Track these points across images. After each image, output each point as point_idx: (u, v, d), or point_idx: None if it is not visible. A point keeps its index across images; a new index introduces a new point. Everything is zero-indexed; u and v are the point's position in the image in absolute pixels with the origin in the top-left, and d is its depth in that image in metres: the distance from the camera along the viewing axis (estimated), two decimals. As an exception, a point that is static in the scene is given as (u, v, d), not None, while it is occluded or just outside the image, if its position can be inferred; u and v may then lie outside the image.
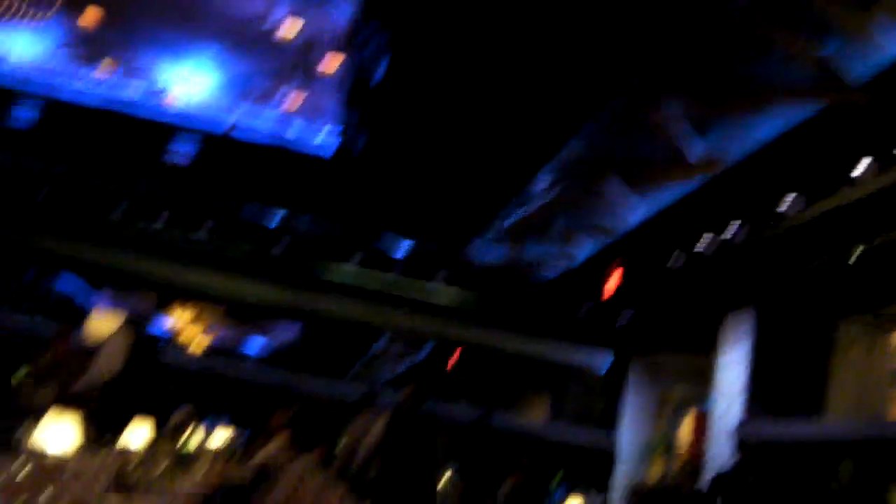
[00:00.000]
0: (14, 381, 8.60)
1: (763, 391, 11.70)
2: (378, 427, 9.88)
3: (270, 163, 11.42)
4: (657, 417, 16.36)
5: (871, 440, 9.09)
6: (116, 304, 27.70)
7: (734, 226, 10.18)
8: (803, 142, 8.97)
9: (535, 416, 21.56)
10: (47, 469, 3.25)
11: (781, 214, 9.52)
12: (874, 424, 9.79)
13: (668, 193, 10.01)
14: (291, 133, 10.81)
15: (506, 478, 10.37)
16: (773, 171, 9.12)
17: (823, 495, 9.13)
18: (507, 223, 12.03)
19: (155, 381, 8.38)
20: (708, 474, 12.05)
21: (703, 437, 14.14)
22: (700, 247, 10.96)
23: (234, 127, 10.68)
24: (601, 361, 17.44)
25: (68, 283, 24.64)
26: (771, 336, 11.84)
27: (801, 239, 10.03)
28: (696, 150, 9.41)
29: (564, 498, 11.04)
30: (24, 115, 11.60)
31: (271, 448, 10.47)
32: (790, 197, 9.13)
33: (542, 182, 10.35)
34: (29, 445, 3.16)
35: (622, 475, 15.44)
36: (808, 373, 11.70)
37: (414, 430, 9.18)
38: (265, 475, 10.09)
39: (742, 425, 11.41)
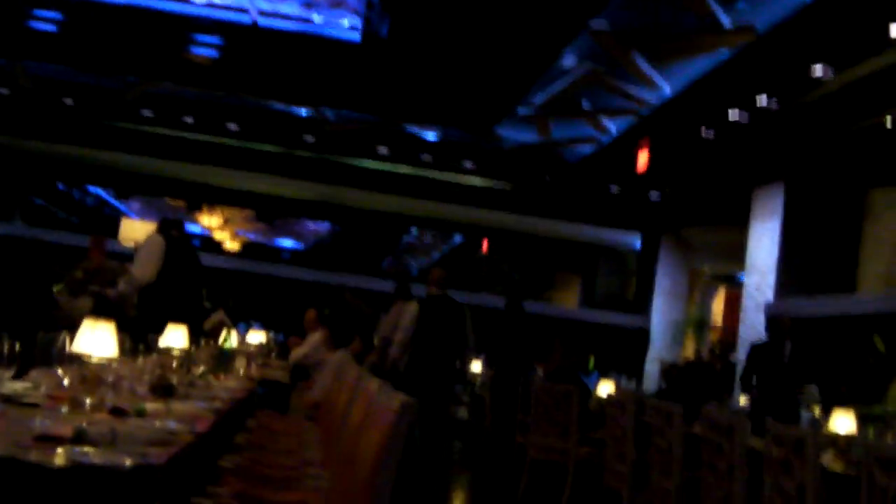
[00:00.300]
0: (54, 293, 8.69)
1: (795, 264, 11.68)
2: (410, 315, 9.95)
3: (299, 52, 11.24)
4: (689, 295, 16.41)
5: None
6: (145, 211, 27.95)
7: (763, 97, 10.01)
8: (836, 7, 8.74)
9: (567, 300, 21.75)
10: (89, 376, 3.31)
11: (812, 83, 9.33)
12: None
13: (695, 67, 9.82)
14: (317, 21, 10.61)
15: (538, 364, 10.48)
16: (803, 40, 8.90)
17: (859, 369, 9.17)
18: (533, 105, 11.89)
19: (191, 283, 8.39)
20: (741, 350, 12.12)
21: (735, 312, 14.19)
22: (728, 120, 10.81)
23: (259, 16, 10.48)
24: (632, 241, 17.46)
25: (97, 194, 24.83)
26: (802, 208, 11.77)
27: (832, 107, 9.87)
28: (723, 19, 9.19)
29: (598, 381, 11.13)
30: (46, 16, 11.46)
31: (308, 345, 10.65)
32: (820, 66, 8.94)
33: (568, 60, 10.18)
34: (69, 354, 3.20)
35: (655, 355, 15.55)
36: (840, 243, 11.65)
37: (445, 317, 9.20)
38: (303, 371, 10.29)
39: (775, 302, 11.42)
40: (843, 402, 6.46)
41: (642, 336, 15.83)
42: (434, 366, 9.06)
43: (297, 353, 10.72)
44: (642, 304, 16.48)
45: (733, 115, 10.62)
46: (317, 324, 9.96)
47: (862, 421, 6.15)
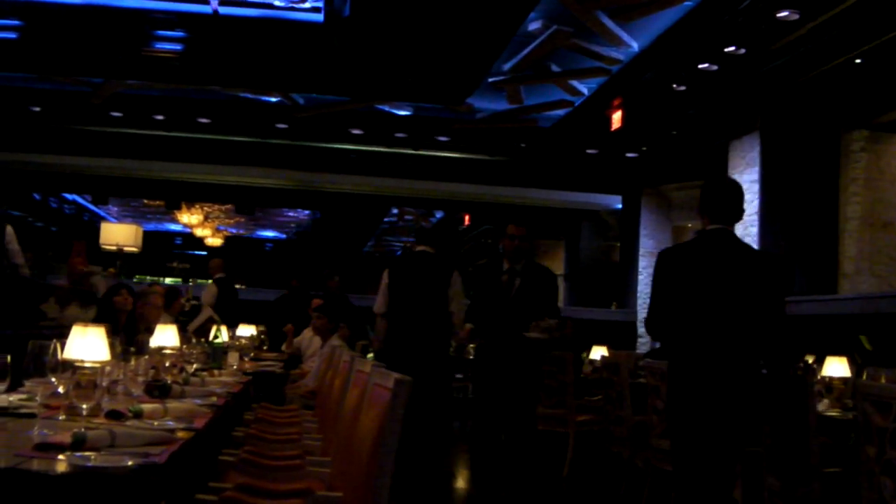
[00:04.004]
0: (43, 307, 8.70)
1: (776, 212, 11.73)
2: (380, 292, 9.90)
3: (263, 38, 11.15)
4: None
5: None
6: (124, 214, 27.79)
7: (731, 48, 10.01)
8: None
9: (552, 266, 21.79)
10: (83, 382, 3.30)
11: (779, 27, 9.34)
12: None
13: (661, 21, 9.81)
14: (278, 4, 10.51)
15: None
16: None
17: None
18: (503, 74, 11.86)
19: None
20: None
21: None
22: (699, 72, 10.82)
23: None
24: (613, 203, 17.49)
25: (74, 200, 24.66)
26: (779, 157, 11.81)
27: (801, 51, 9.88)
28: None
29: (589, 350, 11.17)
30: (5, 24, 11.34)
31: (302, 336, 10.64)
32: (786, 12, 8.94)
33: (534, 24, 10.14)
34: (62, 361, 3.20)
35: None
36: (819, 188, 11.71)
37: (428, 276, 9.00)
38: (295, 360, 10.28)
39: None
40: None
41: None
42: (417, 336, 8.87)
43: (292, 342, 10.74)
44: (627, 263, 16.52)
45: (703, 66, 10.63)
46: (312, 311, 9.96)
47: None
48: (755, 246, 11.58)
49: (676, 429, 4.83)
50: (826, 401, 6.38)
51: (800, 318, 10.46)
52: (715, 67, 10.63)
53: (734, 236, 4.84)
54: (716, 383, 4.67)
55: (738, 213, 4.85)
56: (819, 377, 6.74)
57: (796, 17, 9.03)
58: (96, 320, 4.23)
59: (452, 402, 11.72)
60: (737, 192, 4.88)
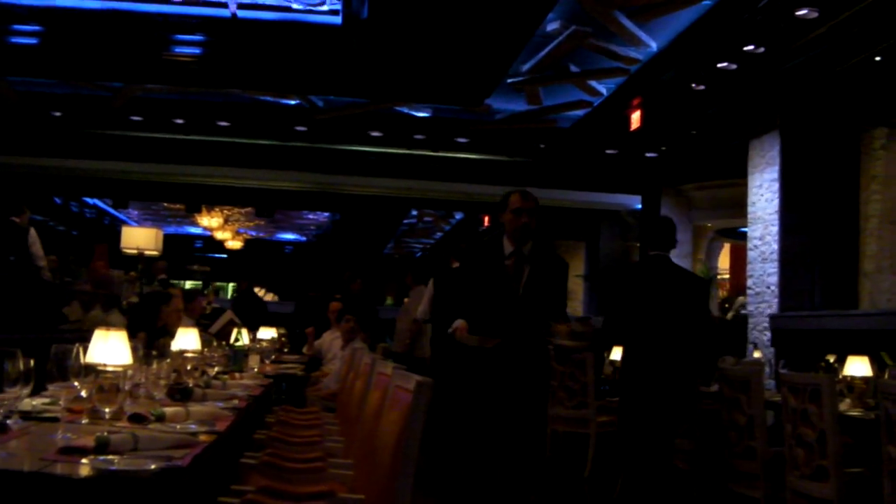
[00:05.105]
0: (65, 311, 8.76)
1: (796, 210, 11.66)
2: (425, 300, 9.96)
3: (282, 41, 11.17)
4: (694, 252, 16.41)
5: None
6: (144, 217, 27.92)
7: (750, 47, 9.97)
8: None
9: (573, 267, 21.73)
10: (106, 386, 3.32)
11: (798, 25, 9.29)
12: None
13: (680, 20, 9.77)
14: (296, 7, 10.55)
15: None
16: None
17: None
18: (522, 75, 11.85)
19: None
20: (750, 302, 12.14)
21: (742, 265, 14.20)
22: (718, 71, 10.78)
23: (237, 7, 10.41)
24: (632, 203, 17.45)
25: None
26: (799, 155, 11.74)
27: (820, 49, 9.83)
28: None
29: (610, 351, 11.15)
30: (27, 30, 11.41)
31: (322, 339, 10.67)
32: (805, 10, 8.89)
33: (552, 25, 10.13)
34: (84, 365, 3.23)
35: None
36: (839, 186, 11.64)
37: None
38: (315, 363, 10.30)
39: (778, 315, 11.43)
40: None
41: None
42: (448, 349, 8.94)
43: (313, 344, 10.78)
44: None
45: (722, 65, 10.59)
46: (340, 315, 9.99)
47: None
48: (775, 245, 11.54)
49: (625, 407, 6.56)
50: (848, 400, 6.35)
51: (819, 332, 10.39)
52: (734, 66, 10.59)
53: (670, 261, 6.42)
54: (656, 371, 6.28)
55: (673, 243, 6.46)
56: (840, 376, 6.70)
57: (815, 14, 8.98)
58: (132, 326, 4.27)
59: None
60: (671, 227, 6.51)
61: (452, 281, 6.17)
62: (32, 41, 11.83)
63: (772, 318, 11.48)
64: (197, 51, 11.98)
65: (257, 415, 5.76)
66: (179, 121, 15.07)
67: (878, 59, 9.93)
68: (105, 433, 2.82)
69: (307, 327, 11.27)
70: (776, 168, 11.77)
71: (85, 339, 3.49)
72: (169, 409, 3.61)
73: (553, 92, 12.75)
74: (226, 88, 13.36)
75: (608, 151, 15.79)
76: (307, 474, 4.18)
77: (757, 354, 10.46)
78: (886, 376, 6.42)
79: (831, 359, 7.58)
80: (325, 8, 10.54)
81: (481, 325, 5.69)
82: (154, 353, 4.30)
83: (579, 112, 13.58)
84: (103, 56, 12.09)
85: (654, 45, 10.53)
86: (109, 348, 3.54)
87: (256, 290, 14.72)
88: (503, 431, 5.70)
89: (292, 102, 14.05)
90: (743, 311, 12.85)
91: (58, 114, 14.88)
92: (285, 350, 10.98)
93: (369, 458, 3.81)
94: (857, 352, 6.91)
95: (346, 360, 8.02)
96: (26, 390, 2.88)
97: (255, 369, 7.23)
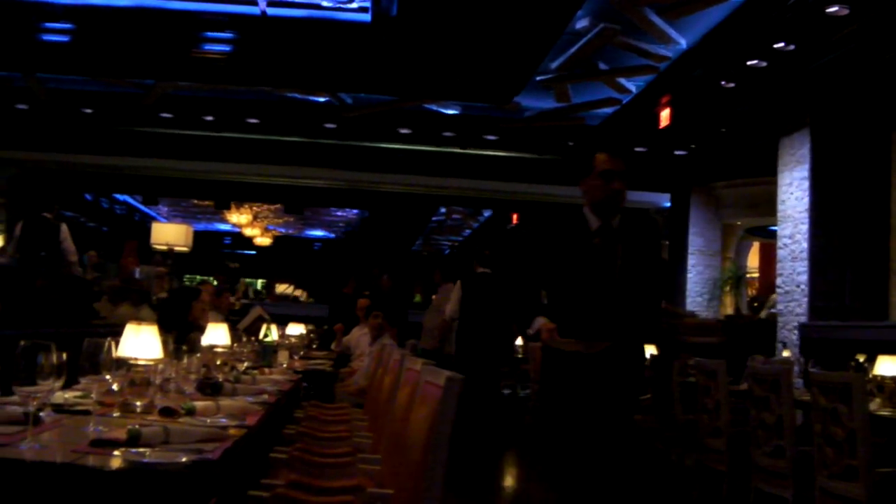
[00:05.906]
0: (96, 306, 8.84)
1: (827, 209, 11.58)
2: (453, 300, 10.00)
3: (311, 38, 11.20)
4: (723, 250, 16.32)
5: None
6: (174, 214, 28.10)
7: (780, 44, 9.90)
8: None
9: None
10: (137, 380, 3.36)
11: (829, 23, 9.21)
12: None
13: (710, 17, 9.72)
14: (326, 5, 10.57)
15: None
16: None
17: None
18: (551, 72, 11.83)
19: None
20: (780, 301, 12.06)
21: (771, 264, 14.10)
22: (748, 69, 10.71)
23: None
24: (661, 200, 17.37)
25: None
26: (829, 153, 11.66)
27: (851, 46, 9.74)
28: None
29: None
30: (57, 27, 11.51)
31: (351, 335, 10.70)
32: (836, 7, 8.82)
33: (581, 22, 10.10)
34: (116, 360, 3.26)
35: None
36: (870, 185, 11.54)
37: (489, 294, 9.12)
38: (343, 359, 10.33)
39: (808, 323, 11.29)
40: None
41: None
42: (481, 343, 9.02)
43: (342, 340, 10.82)
44: (676, 263, 16.40)
45: (752, 63, 10.53)
46: (369, 312, 10.02)
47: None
48: (805, 243, 11.46)
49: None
50: (878, 400, 6.30)
51: (848, 342, 10.23)
52: (764, 64, 10.52)
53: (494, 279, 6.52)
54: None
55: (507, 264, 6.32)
56: (870, 376, 6.65)
57: (846, 12, 8.90)
58: (161, 322, 4.30)
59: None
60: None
61: (521, 267, 4.83)
62: (64, 39, 11.92)
63: (801, 326, 11.35)
64: (227, 48, 12.03)
65: (286, 410, 5.79)
66: (209, 118, 15.15)
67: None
68: (136, 426, 2.85)
69: (336, 324, 11.31)
70: (806, 166, 11.69)
71: (117, 334, 3.52)
72: (199, 403, 3.64)
73: (582, 89, 12.72)
74: (255, 86, 13.42)
75: (637, 149, 15.72)
76: (336, 469, 4.20)
77: (786, 353, 10.40)
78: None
79: (861, 358, 7.52)
80: (354, 5, 10.56)
81: (574, 323, 4.50)
82: (184, 348, 4.33)
83: (608, 110, 13.54)
84: (134, 53, 12.17)
85: (683, 43, 10.48)
86: (141, 343, 3.58)
87: (282, 287, 14.72)
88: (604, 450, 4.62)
89: (321, 100, 14.09)
90: (772, 310, 12.77)
91: (89, 111, 14.99)
92: (314, 346, 11.03)
93: (398, 454, 3.83)
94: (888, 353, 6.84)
95: (374, 356, 8.04)
96: (59, 383, 2.91)
97: (284, 365, 7.27)
